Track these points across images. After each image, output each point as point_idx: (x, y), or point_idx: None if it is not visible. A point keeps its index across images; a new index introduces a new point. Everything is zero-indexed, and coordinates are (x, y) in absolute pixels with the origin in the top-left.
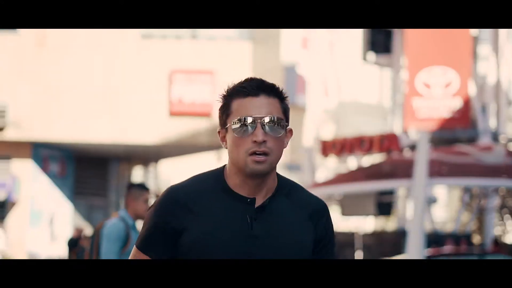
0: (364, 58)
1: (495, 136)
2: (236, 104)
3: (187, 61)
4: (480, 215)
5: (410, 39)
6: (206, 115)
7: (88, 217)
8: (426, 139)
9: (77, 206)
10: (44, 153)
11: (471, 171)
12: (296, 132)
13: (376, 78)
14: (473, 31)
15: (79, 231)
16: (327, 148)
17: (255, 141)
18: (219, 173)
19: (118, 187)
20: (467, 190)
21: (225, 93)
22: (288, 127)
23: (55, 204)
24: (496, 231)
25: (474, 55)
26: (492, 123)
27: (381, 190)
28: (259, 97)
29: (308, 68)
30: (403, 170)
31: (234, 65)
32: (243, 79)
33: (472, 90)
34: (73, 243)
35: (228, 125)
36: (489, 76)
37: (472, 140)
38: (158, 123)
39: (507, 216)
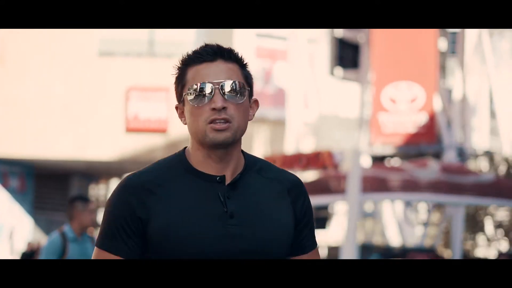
0: (332, 73)
1: (461, 151)
2: (192, 72)
3: (143, 78)
4: (448, 229)
5: (377, 54)
6: (162, 131)
7: (48, 232)
8: (359, 155)
9: (37, 221)
10: (3, 169)
11: (405, 187)
12: (277, 145)
13: (357, 92)
14: (442, 46)
15: (31, 246)
16: None
17: (214, 109)
18: (180, 154)
19: None
20: (408, 205)
21: (179, 63)
22: (253, 98)
23: (15, 219)
24: (466, 245)
25: (443, 70)
26: (461, 137)
27: (317, 205)
28: (216, 62)
29: (287, 80)
30: (338, 185)
31: None
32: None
33: (437, 105)
34: (27, 256)
35: (184, 94)
36: (455, 90)
37: (437, 155)
38: (116, 140)
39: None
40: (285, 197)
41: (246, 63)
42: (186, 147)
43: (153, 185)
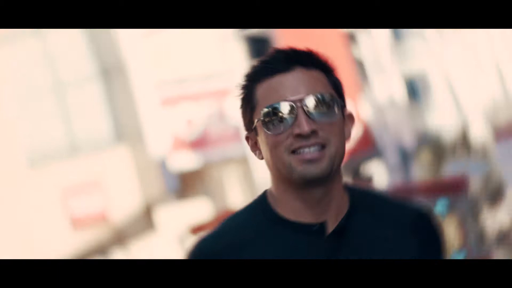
0: None
1: (402, 150)
2: (262, 89)
3: (75, 177)
4: None
5: None
6: (104, 221)
7: None
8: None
9: None
10: None
11: None
12: (250, 184)
13: None
14: (356, 55)
15: None
16: None
17: (299, 134)
18: (261, 201)
19: None
20: None
21: (244, 80)
22: (347, 111)
23: None
24: None
25: (365, 79)
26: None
27: None
28: (292, 71)
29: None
30: None
31: (119, 173)
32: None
33: (365, 111)
34: None
35: (256, 121)
36: (378, 93)
37: (380, 158)
38: (59, 238)
39: None
40: (409, 239)
41: (332, 68)
42: (266, 190)
43: (232, 253)
